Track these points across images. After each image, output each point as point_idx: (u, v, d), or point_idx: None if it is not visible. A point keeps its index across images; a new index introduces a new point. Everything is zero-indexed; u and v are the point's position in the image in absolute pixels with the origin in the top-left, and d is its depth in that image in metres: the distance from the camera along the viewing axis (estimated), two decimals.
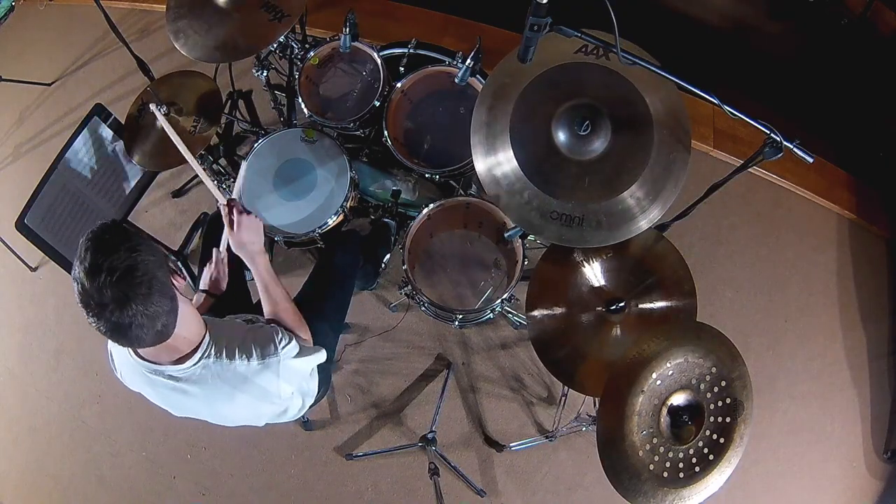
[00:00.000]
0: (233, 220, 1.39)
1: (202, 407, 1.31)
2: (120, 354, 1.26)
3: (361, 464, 2.29)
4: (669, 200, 1.46)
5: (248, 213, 1.42)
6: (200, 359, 1.18)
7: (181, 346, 1.16)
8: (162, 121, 1.70)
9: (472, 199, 1.90)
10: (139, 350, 1.18)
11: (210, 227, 1.93)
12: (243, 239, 1.40)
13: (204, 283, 1.56)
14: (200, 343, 1.18)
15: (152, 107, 1.80)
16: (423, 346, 2.40)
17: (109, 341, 1.29)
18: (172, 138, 1.64)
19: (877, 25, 2.71)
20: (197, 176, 2.64)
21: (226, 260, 1.56)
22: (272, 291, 1.43)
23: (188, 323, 1.14)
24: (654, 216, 1.47)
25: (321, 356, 1.44)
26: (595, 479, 2.23)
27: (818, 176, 2.59)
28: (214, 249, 1.56)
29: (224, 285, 1.56)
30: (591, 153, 1.49)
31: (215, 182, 1.60)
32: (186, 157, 1.61)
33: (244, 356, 1.23)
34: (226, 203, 1.42)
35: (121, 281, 0.95)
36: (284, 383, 1.31)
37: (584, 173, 1.49)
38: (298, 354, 1.34)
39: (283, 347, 1.28)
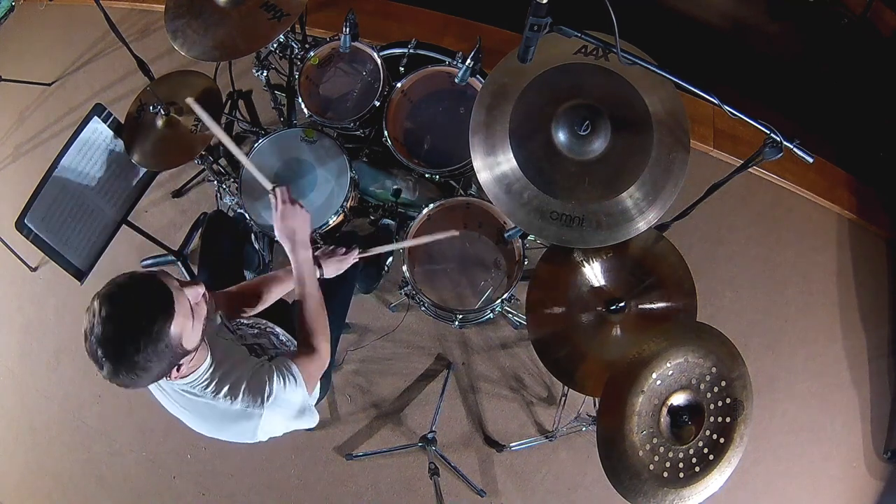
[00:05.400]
0: (280, 206, 1.36)
1: (181, 413, 1.32)
2: None
3: (361, 464, 2.29)
4: (669, 201, 1.46)
5: (294, 201, 1.38)
6: (188, 383, 1.20)
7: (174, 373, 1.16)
8: (196, 109, 1.48)
9: (472, 199, 1.90)
10: None
11: (210, 226, 1.93)
12: (293, 225, 1.37)
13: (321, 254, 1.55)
14: (198, 368, 1.19)
15: (189, 100, 1.52)
16: (423, 346, 2.40)
17: None
18: (209, 125, 1.47)
19: (877, 25, 2.71)
20: (196, 176, 2.66)
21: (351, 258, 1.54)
22: (306, 287, 1.39)
23: (186, 362, 1.13)
24: (654, 216, 1.47)
25: (311, 421, 1.38)
26: (595, 479, 2.23)
27: (818, 176, 2.59)
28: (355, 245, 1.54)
29: (330, 273, 1.53)
30: (590, 153, 1.49)
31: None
32: (227, 145, 1.47)
33: (229, 397, 1.21)
34: (271, 190, 1.39)
35: (128, 362, 1.00)
36: (262, 433, 1.28)
37: (583, 174, 1.49)
38: (286, 414, 1.28)
39: (271, 403, 1.22)
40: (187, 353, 1.08)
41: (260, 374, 1.24)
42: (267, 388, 1.22)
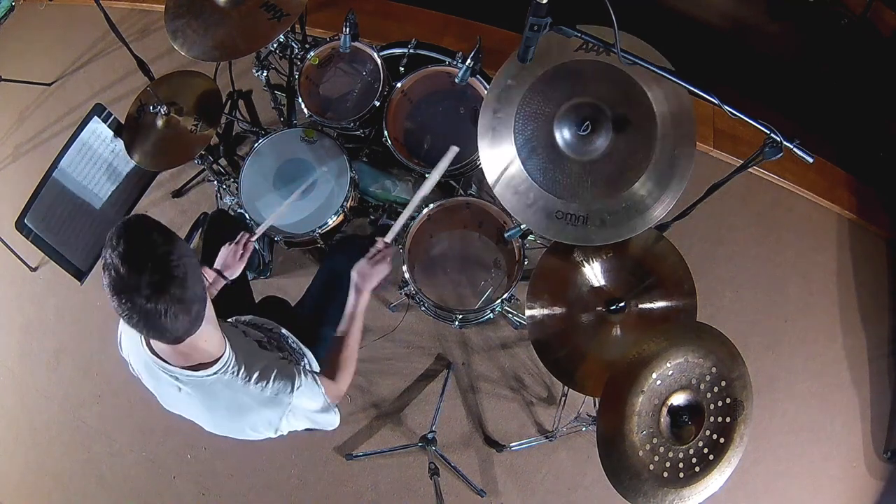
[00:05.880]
0: (381, 258, 1.46)
1: (200, 412, 1.30)
2: (130, 340, 1.24)
3: (361, 464, 2.29)
4: (675, 197, 1.46)
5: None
6: (217, 371, 1.16)
7: (199, 355, 1.14)
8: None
9: (472, 199, 1.90)
10: (155, 348, 1.16)
11: (210, 226, 1.93)
12: (374, 276, 1.45)
13: (219, 262, 1.56)
14: (220, 358, 1.17)
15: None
16: (423, 346, 2.40)
17: (121, 324, 1.27)
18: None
19: (877, 25, 2.71)
20: (196, 176, 2.66)
21: (250, 248, 1.55)
22: (358, 327, 1.45)
23: (209, 330, 1.11)
24: (660, 213, 1.47)
25: (333, 421, 1.39)
26: (595, 479, 2.23)
27: (818, 176, 2.59)
28: (243, 233, 1.55)
29: (236, 273, 1.55)
30: (593, 152, 1.49)
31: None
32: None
33: (260, 384, 1.21)
34: (387, 244, 1.49)
35: (158, 265, 0.93)
36: (286, 423, 1.29)
37: (587, 172, 1.49)
38: (310, 409, 1.30)
39: (297, 393, 1.25)
40: (205, 291, 1.05)
41: (287, 367, 1.27)
42: (296, 378, 1.25)
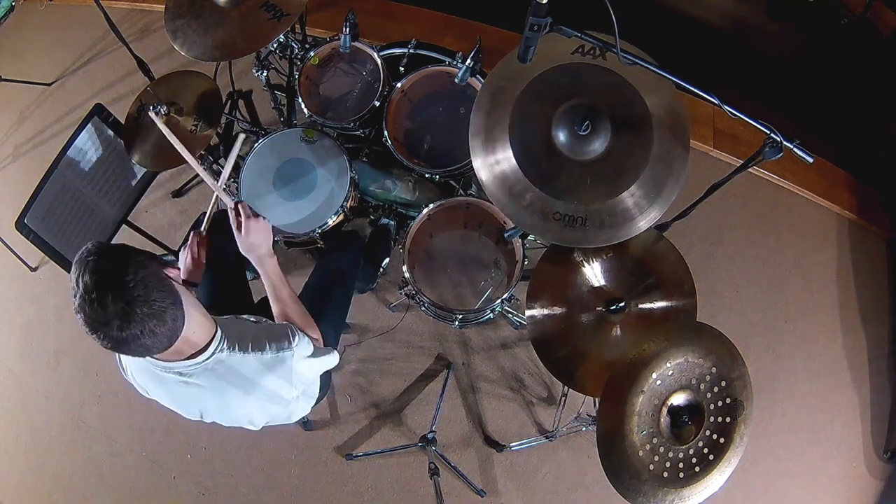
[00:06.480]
0: (240, 223, 1.36)
1: (213, 402, 1.30)
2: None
3: (361, 464, 2.29)
4: (671, 198, 1.46)
5: (257, 215, 1.38)
6: (214, 353, 1.17)
7: (194, 340, 1.15)
8: (162, 127, 1.63)
9: (472, 199, 1.90)
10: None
11: (212, 227, 1.93)
12: (252, 241, 1.37)
13: (184, 273, 1.49)
14: (213, 338, 1.18)
15: (151, 113, 1.78)
16: (423, 346, 2.40)
17: None
18: (173, 142, 1.57)
19: (877, 25, 2.71)
20: (198, 176, 2.65)
21: (204, 243, 1.50)
22: (280, 293, 1.42)
23: (195, 319, 1.12)
24: (656, 215, 1.47)
25: (333, 359, 1.44)
26: (595, 479, 2.23)
27: (818, 176, 2.59)
28: (193, 232, 1.49)
29: (200, 274, 1.50)
30: (591, 153, 1.48)
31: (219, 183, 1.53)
32: (189, 160, 1.54)
33: (257, 350, 1.23)
34: (233, 206, 1.39)
35: (116, 293, 0.97)
36: (293, 387, 1.32)
37: (585, 173, 1.49)
38: (312, 355, 1.34)
39: (297, 344, 1.29)
40: (177, 287, 1.06)
41: (274, 327, 1.32)
42: (288, 332, 1.29)
